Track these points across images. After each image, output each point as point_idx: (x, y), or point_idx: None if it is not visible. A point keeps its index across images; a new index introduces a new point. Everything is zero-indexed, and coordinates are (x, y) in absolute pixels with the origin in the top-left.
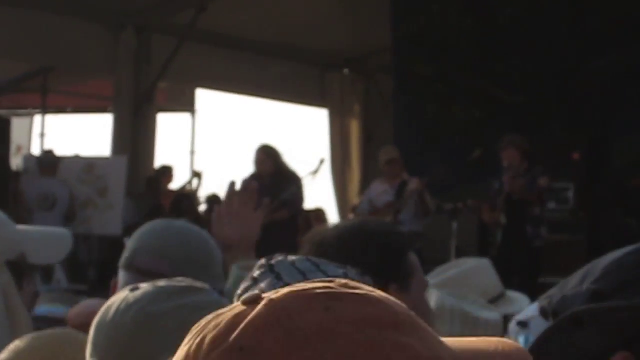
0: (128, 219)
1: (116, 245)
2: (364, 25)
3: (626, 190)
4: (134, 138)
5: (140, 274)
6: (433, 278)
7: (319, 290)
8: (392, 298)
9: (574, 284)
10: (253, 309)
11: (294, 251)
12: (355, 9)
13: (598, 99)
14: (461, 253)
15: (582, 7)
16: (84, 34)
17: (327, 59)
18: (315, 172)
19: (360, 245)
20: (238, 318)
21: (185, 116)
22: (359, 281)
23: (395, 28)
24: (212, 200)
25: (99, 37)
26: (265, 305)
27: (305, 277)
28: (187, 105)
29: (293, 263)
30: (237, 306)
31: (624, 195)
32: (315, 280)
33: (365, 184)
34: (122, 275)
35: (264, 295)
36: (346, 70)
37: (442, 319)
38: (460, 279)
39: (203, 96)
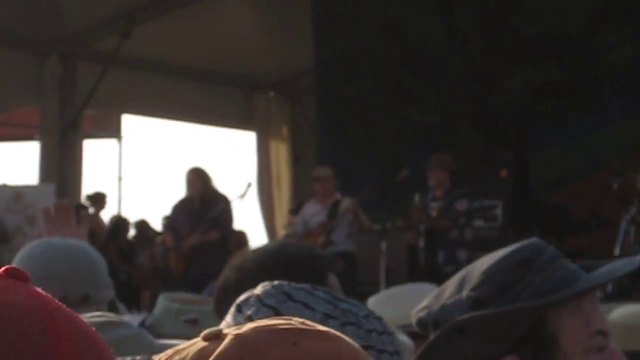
0: None
1: None
2: (288, 48)
3: (545, 208)
4: (61, 165)
5: None
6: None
7: (283, 326)
8: (343, 336)
9: (450, 292)
10: (217, 344)
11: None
12: (279, 33)
13: (512, 117)
14: (391, 273)
15: (494, 28)
16: (8, 62)
17: (252, 82)
18: (243, 195)
19: (278, 268)
20: (203, 352)
21: (112, 142)
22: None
23: (317, 50)
24: (141, 225)
25: (24, 65)
26: (233, 339)
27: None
28: (113, 131)
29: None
30: (198, 342)
31: (542, 213)
32: (275, 317)
33: (294, 205)
34: None
35: (225, 331)
36: (272, 93)
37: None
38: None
39: (129, 122)
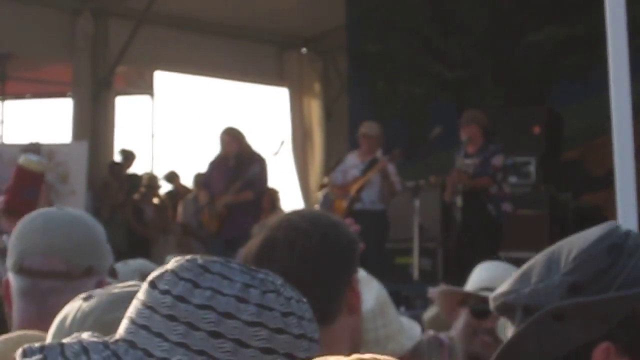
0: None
1: None
2: (320, 5)
3: (557, 165)
4: (94, 123)
5: (33, 275)
6: None
7: None
8: None
9: (539, 276)
10: None
11: None
12: None
13: (535, 72)
14: (424, 231)
15: None
16: (41, 20)
17: (284, 38)
18: (277, 152)
19: (310, 247)
20: None
21: (144, 99)
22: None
23: (348, 7)
24: (171, 177)
25: (56, 22)
26: None
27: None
28: (145, 88)
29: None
30: None
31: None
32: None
33: (327, 161)
34: (14, 279)
35: None
36: (304, 50)
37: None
38: None
39: (161, 79)
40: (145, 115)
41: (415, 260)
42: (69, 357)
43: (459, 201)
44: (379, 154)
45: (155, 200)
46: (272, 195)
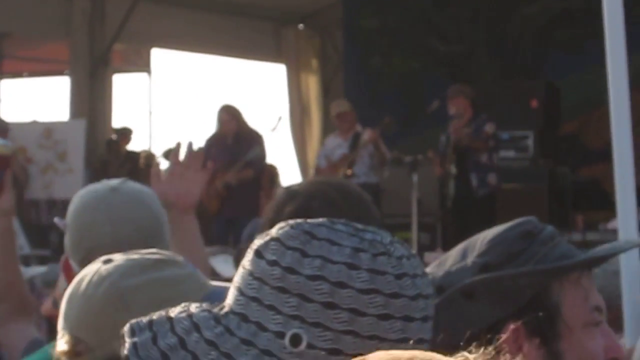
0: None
1: None
2: None
3: (555, 138)
4: (91, 100)
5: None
6: None
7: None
8: None
9: (453, 260)
10: None
11: (257, 209)
12: None
13: (530, 45)
14: (423, 205)
15: None
16: None
17: (282, 14)
18: (274, 128)
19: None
20: None
21: (141, 76)
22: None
23: None
24: (170, 154)
25: (53, 1)
26: None
27: None
28: (143, 65)
29: None
30: None
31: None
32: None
33: (325, 137)
34: (77, 268)
35: None
36: (301, 26)
37: None
38: None
39: (159, 56)
40: (143, 93)
41: (414, 235)
42: (179, 334)
43: (453, 169)
44: (358, 127)
45: None
46: (272, 172)
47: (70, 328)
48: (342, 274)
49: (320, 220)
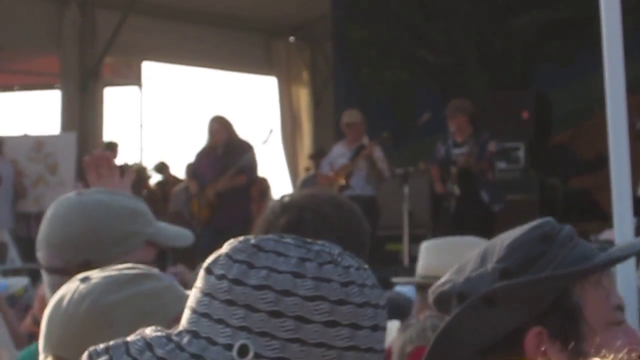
0: None
1: None
2: None
3: (545, 149)
4: (82, 114)
5: (42, 269)
6: None
7: None
8: None
9: (473, 266)
10: None
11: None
12: None
13: (520, 56)
14: (413, 217)
15: None
16: (28, 11)
17: (272, 27)
18: (265, 141)
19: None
20: None
21: (132, 89)
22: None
23: None
24: (161, 167)
25: (43, 14)
26: None
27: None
28: (133, 78)
29: None
30: None
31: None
32: None
33: (316, 149)
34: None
35: None
36: (292, 38)
37: None
38: None
39: (149, 69)
40: (134, 106)
41: (405, 246)
42: (133, 355)
43: (456, 190)
44: (365, 140)
45: (145, 191)
46: (262, 185)
47: (52, 348)
48: (287, 282)
49: (270, 235)
